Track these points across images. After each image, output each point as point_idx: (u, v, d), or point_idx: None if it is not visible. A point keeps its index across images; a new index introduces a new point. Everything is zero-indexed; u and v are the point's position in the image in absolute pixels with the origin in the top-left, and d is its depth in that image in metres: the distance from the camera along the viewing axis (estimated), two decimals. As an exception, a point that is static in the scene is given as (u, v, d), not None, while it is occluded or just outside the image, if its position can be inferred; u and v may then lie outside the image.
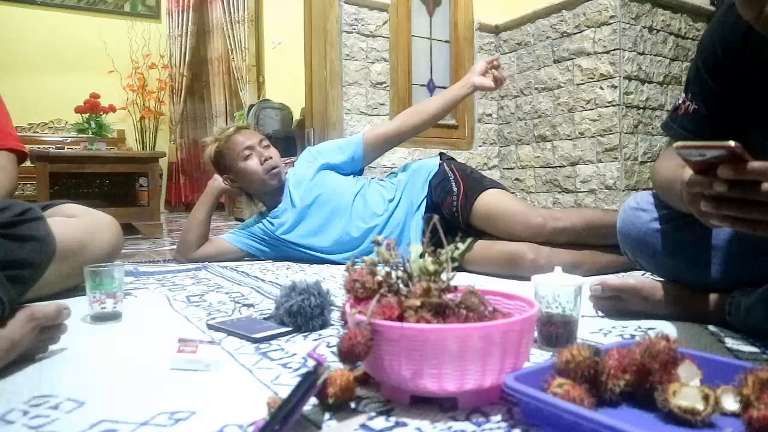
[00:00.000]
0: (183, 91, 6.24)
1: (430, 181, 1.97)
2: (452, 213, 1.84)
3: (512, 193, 2.01)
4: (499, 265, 1.67)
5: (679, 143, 0.65)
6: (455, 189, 1.87)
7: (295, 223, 2.04)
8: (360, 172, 2.15)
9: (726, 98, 0.97)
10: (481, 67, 1.98)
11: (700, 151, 0.63)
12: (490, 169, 3.41)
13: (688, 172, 0.70)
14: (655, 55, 2.85)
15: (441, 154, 2.11)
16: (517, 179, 3.33)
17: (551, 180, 3.12)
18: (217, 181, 2.08)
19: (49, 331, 0.90)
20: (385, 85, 3.08)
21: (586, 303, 1.08)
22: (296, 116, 4.33)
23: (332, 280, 1.66)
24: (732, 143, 0.59)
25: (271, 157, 2.00)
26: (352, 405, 0.69)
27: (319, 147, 2.16)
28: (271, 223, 2.07)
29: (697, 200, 0.68)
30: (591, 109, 2.86)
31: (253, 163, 1.99)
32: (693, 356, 0.67)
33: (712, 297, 1.05)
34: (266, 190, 2.06)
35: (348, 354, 0.63)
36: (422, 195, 1.97)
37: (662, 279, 1.14)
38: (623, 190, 2.73)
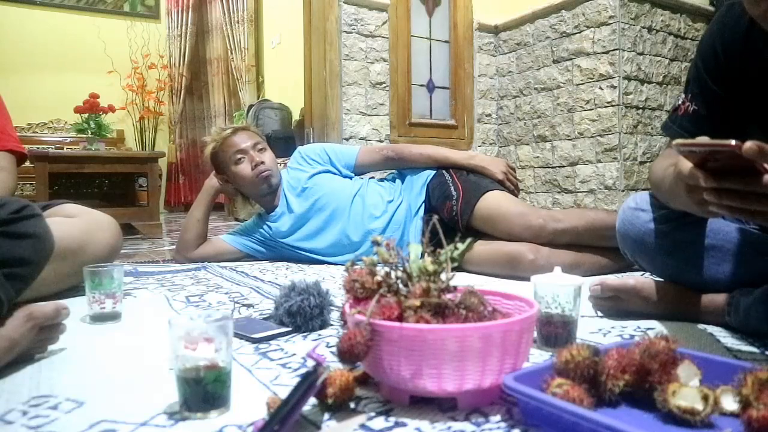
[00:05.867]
0: (182, 91, 6.24)
1: (427, 185, 1.97)
2: (452, 217, 1.83)
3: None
4: (498, 265, 1.67)
5: (679, 141, 0.65)
6: (454, 193, 1.87)
7: (294, 228, 2.04)
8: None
9: (726, 99, 0.97)
10: (501, 167, 1.99)
11: (700, 149, 0.64)
12: (489, 169, 3.41)
13: (685, 164, 0.70)
14: (654, 56, 2.86)
15: None
16: (516, 179, 3.33)
17: (551, 180, 3.12)
18: (213, 180, 2.07)
19: (48, 330, 0.90)
20: (384, 85, 3.08)
21: (585, 303, 1.08)
22: (296, 116, 4.33)
23: (332, 280, 1.66)
24: (733, 142, 0.59)
25: (263, 162, 1.99)
26: (352, 405, 0.69)
27: (315, 148, 2.15)
28: (269, 227, 2.07)
29: (697, 190, 0.69)
30: (590, 110, 2.86)
31: (243, 168, 1.98)
32: (692, 356, 0.67)
33: (712, 297, 1.05)
34: (257, 194, 2.06)
35: (347, 354, 0.63)
36: (420, 199, 1.97)
37: (662, 279, 1.14)
38: (623, 191, 2.73)
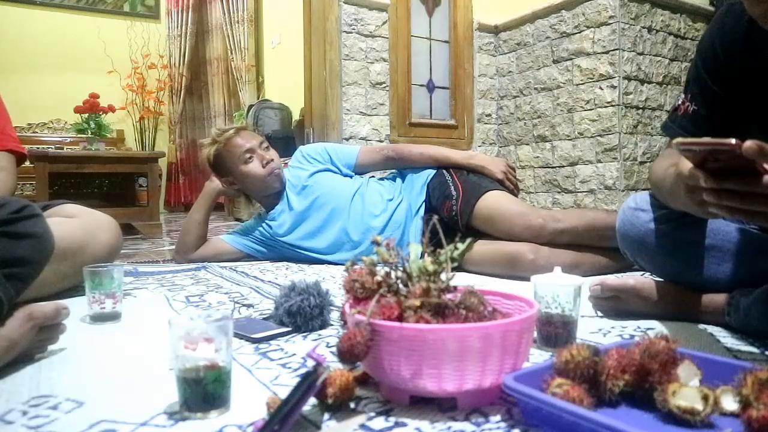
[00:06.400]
0: (182, 91, 6.24)
1: (427, 185, 1.97)
2: (452, 217, 1.84)
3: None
4: (498, 265, 1.67)
5: (679, 139, 0.65)
6: (454, 193, 1.87)
7: (294, 226, 2.04)
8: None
9: (725, 99, 0.98)
10: (501, 167, 1.98)
11: (700, 148, 0.63)
12: (489, 169, 3.41)
13: (685, 164, 0.70)
14: (654, 56, 2.85)
15: None
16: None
17: (551, 180, 3.12)
18: (215, 183, 2.06)
19: (48, 330, 0.90)
20: (384, 85, 3.08)
21: (585, 303, 1.08)
22: (295, 116, 4.33)
23: (331, 280, 1.66)
24: (733, 141, 0.59)
25: (272, 159, 2.00)
26: (352, 405, 0.69)
27: (316, 147, 2.15)
28: (269, 225, 2.07)
29: (696, 191, 0.69)
30: (590, 110, 2.86)
31: (255, 167, 1.98)
32: (692, 356, 0.67)
33: (712, 297, 1.05)
34: (268, 193, 2.06)
35: (347, 354, 0.63)
36: (421, 199, 1.97)
37: (662, 279, 1.14)
38: (623, 191, 2.73)
